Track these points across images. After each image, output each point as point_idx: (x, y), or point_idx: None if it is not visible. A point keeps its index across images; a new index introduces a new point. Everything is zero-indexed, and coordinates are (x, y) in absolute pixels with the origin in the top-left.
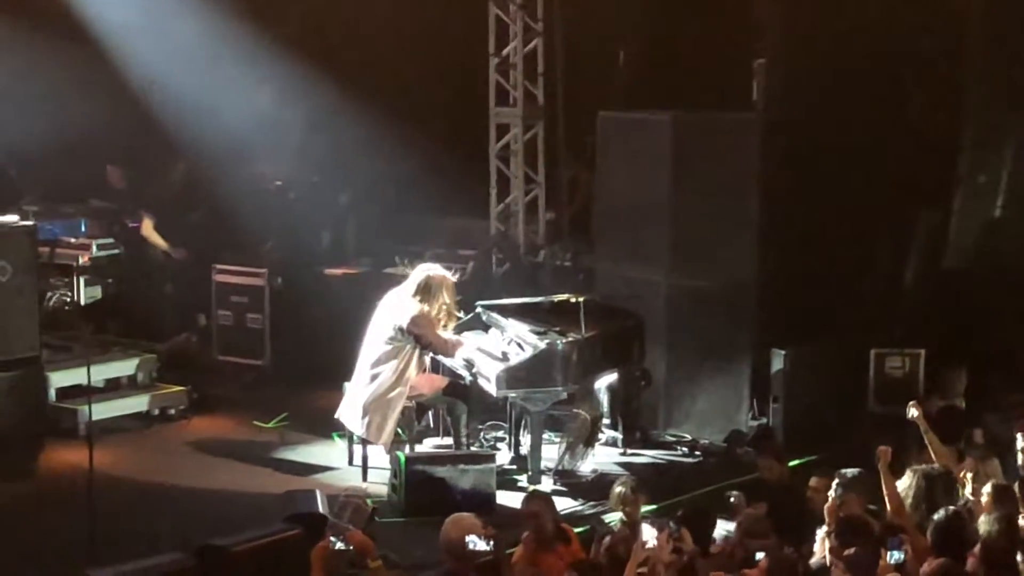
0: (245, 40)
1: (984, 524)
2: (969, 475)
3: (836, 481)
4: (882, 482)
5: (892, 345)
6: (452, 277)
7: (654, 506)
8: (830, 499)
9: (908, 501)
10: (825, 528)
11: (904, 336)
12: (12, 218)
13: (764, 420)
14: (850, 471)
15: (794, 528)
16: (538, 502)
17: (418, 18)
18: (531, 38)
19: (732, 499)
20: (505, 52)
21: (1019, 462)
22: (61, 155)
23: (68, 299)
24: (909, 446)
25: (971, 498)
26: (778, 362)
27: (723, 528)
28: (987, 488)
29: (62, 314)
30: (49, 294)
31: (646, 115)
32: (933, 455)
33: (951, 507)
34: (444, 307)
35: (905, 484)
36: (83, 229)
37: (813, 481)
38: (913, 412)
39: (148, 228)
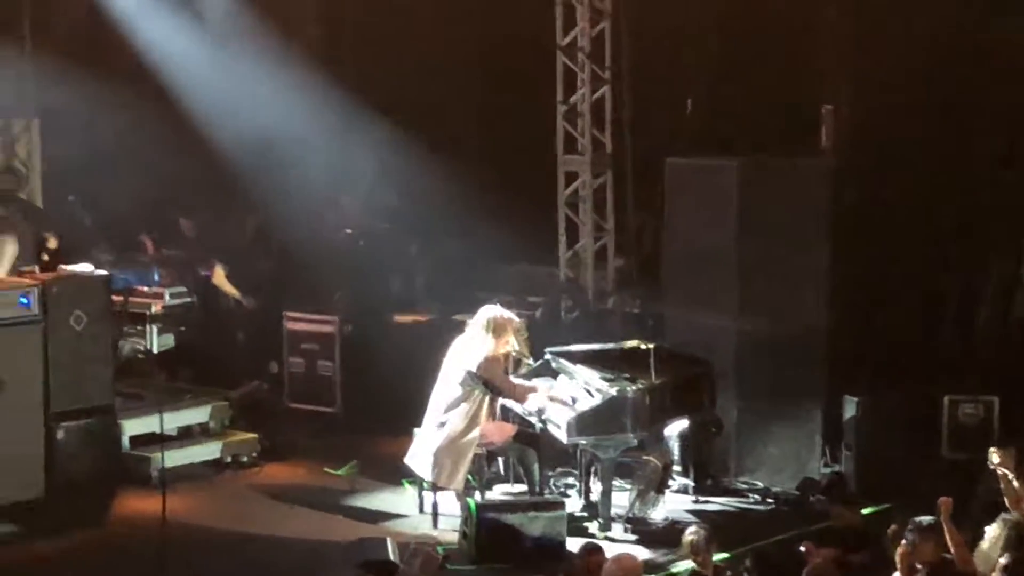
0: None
1: None
2: None
3: (908, 528)
4: (946, 533)
5: (965, 392)
6: (518, 320)
7: (726, 554)
8: (901, 546)
9: (996, 552)
10: (898, 574)
11: (977, 383)
12: (86, 267)
13: (837, 467)
14: (924, 519)
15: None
16: (599, 555)
17: (488, 68)
18: (599, 86)
19: (802, 548)
20: (573, 100)
21: None
22: (134, 205)
23: (141, 347)
24: (981, 493)
25: None
26: (850, 409)
27: None
28: None
29: (135, 362)
30: (122, 343)
31: (714, 161)
32: (1008, 501)
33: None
34: (512, 349)
35: (994, 533)
36: (156, 278)
37: (892, 529)
38: (995, 459)
39: (220, 277)
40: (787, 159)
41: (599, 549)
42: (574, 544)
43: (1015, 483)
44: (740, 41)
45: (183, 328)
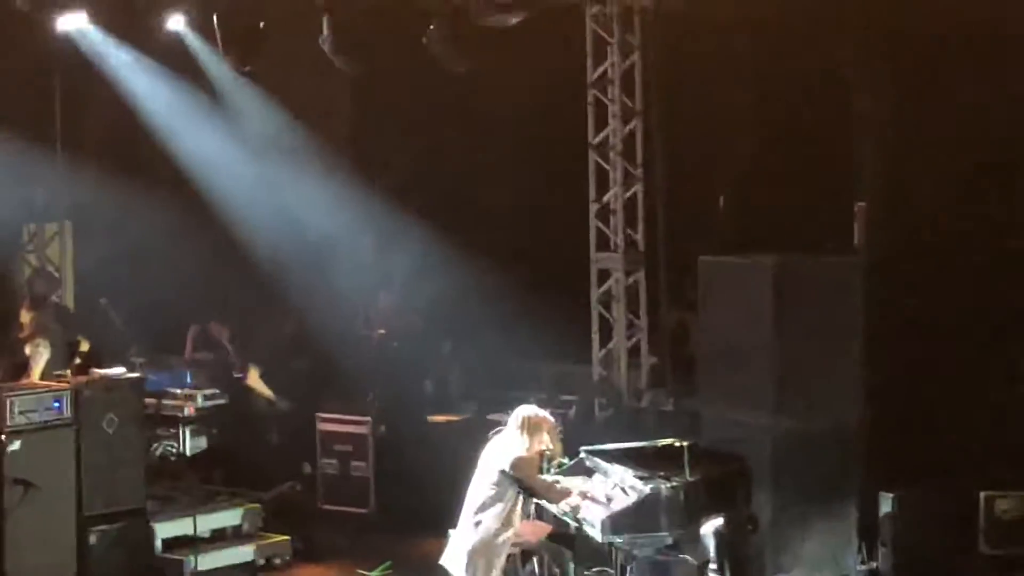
0: (347, 191)
1: None
2: None
3: None
4: None
5: (1002, 487)
6: (552, 419)
7: None
8: None
9: None
10: None
11: (1014, 477)
12: (119, 370)
13: (874, 564)
14: None
15: None
16: None
17: (519, 162)
18: (631, 184)
19: None
20: (606, 198)
21: None
22: (166, 306)
23: (174, 450)
24: None
25: None
26: (886, 505)
27: None
28: None
29: (168, 465)
30: (155, 445)
31: (748, 260)
32: None
33: None
34: (547, 448)
35: None
36: (188, 380)
37: None
38: None
39: (254, 378)
40: (821, 257)
41: None
42: None
43: None
44: (772, 138)
45: (216, 430)
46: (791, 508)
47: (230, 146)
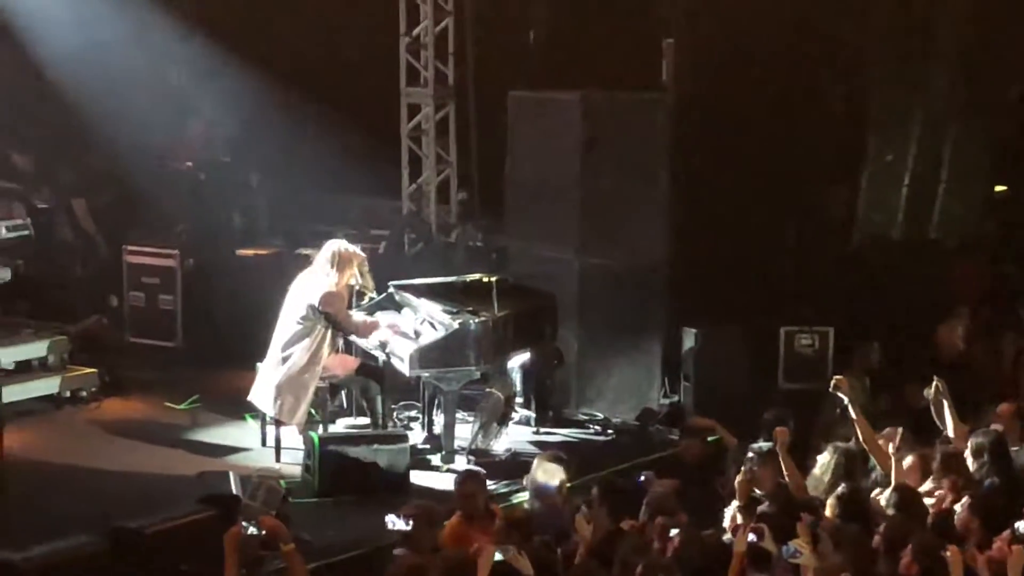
0: (153, 21)
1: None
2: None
3: (747, 456)
4: (781, 462)
5: (801, 323)
6: (361, 253)
7: (568, 484)
8: (741, 473)
9: (827, 477)
10: (736, 504)
11: (813, 314)
12: None
13: (676, 398)
14: (762, 446)
15: (708, 505)
16: (473, 482)
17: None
18: (442, 18)
19: (643, 477)
20: (416, 32)
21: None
22: None
23: None
24: (817, 423)
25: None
26: (689, 340)
27: None
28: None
29: None
30: None
31: (556, 95)
32: (858, 430)
33: (852, 483)
34: (356, 282)
35: (825, 460)
36: None
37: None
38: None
39: (83, 210)
40: (628, 92)
41: (472, 476)
42: (417, 477)
43: (850, 410)
44: None
45: (20, 261)
46: (596, 343)
47: None
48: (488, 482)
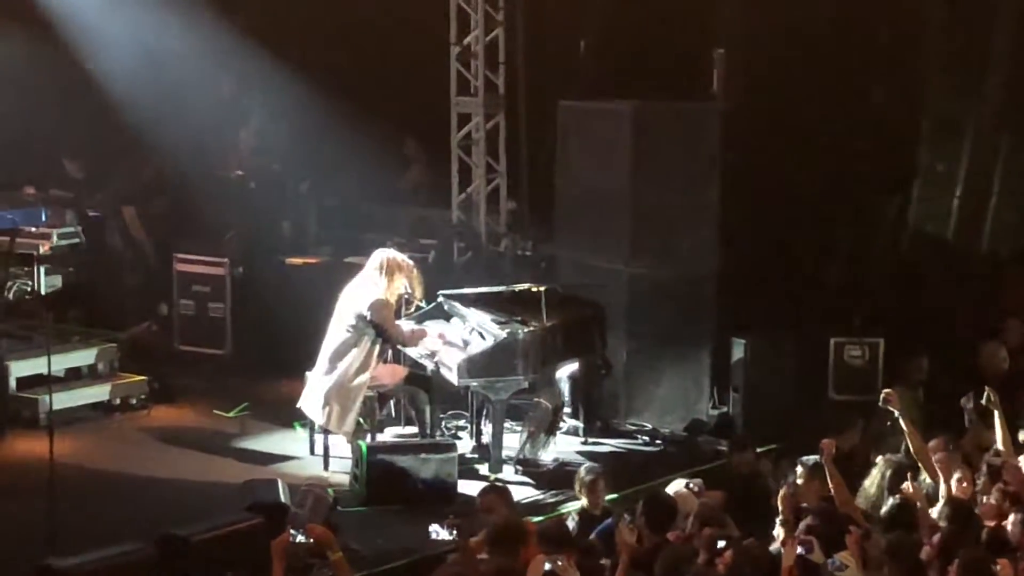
0: (204, 31)
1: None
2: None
3: (793, 469)
4: (827, 474)
5: (851, 334)
6: (411, 262)
7: (615, 495)
8: (784, 487)
9: (873, 490)
10: (781, 517)
11: (863, 325)
12: None
13: (724, 409)
14: (808, 459)
15: (758, 518)
16: (493, 496)
17: (380, 6)
18: (492, 27)
19: (692, 487)
20: (466, 41)
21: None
22: (16, 145)
23: (28, 288)
24: (869, 435)
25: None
26: (738, 351)
27: None
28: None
29: (23, 303)
30: (9, 283)
31: (607, 105)
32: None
33: (900, 496)
34: (405, 291)
35: (875, 473)
36: (43, 218)
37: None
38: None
39: (132, 217)
40: (679, 103)
41: (496, 489)
42: (465, 486)
43: (901, 423)
44: None
45: (71, 269)
46: (645, 353)
47: None
48: (534, 492)
